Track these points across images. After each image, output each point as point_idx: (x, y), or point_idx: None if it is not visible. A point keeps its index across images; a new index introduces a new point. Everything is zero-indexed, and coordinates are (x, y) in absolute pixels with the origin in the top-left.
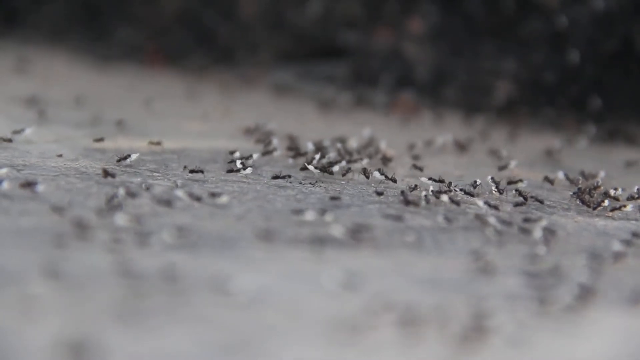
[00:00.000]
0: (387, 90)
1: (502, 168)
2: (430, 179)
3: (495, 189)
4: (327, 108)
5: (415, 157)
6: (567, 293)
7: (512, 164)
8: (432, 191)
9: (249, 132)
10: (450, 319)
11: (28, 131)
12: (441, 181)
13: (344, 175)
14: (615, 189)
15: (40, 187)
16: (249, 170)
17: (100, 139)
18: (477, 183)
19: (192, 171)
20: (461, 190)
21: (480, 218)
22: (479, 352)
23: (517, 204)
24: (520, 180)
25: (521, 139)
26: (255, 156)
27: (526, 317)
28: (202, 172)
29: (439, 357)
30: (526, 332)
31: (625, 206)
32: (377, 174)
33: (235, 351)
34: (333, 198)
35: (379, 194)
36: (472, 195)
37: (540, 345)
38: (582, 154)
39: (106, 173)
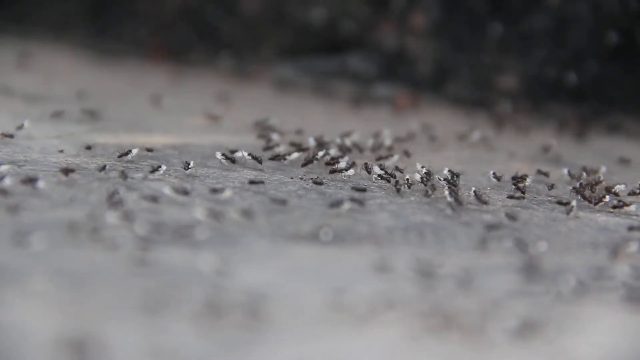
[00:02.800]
0: (389, 85)
1: (547, 149)
2: (422, 167)
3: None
4: (330, 102)
5: (406, 151)
6: (569, 289)
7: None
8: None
9: (213, 119)
10: (452, 314)
11: (26, 124)
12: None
13: (347, 169)
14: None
15: (40, 183)
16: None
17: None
18: (459, 175)
19: (252, 182)
20: (444, 180)
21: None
22: (481, 349)
23: (559, 202)
24: (526, 176)
25: (523, 133)
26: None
27: (528, 313)
28: (262, 182)
29: (441, 355)
30: (528, 328)
31: (627, 205)
32: (376, 169)
33: (237, 347)
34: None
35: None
36: (455, 185)
37: (542, 341)
38: (583, 148)
39: (66, 171)
